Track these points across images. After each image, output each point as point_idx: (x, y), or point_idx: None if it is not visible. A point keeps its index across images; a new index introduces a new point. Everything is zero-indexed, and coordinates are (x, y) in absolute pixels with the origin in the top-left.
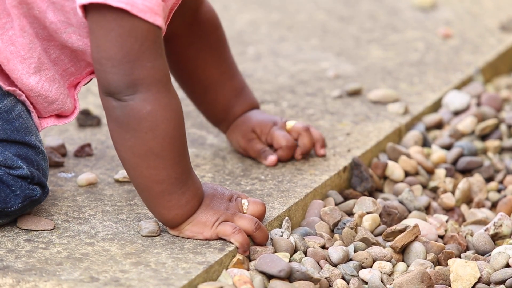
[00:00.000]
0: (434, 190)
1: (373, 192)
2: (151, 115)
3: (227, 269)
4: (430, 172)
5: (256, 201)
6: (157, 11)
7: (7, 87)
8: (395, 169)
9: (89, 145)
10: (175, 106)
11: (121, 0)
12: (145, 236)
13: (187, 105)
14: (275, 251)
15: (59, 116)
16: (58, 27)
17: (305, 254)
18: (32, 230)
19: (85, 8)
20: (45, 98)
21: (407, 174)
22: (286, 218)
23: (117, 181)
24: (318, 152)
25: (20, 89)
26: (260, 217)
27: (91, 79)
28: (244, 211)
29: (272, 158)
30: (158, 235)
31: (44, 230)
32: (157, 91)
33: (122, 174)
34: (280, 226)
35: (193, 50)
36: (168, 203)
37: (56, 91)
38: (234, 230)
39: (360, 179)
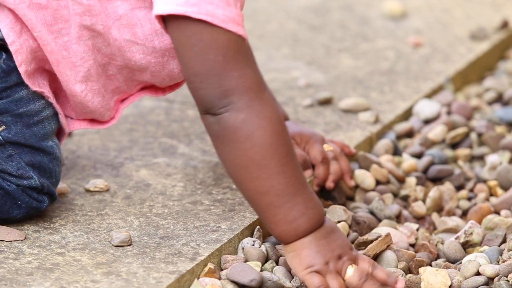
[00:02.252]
0: (405, 198)
1: (344, 201)
2: (246, 123)
3: (198, 278)
4: (401, 181)
5: (363, 270)
6: (238, 21)
7: (35, 88)
8: (366, 178)
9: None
10: (270, 113)
11: (201, 11)
12: (116, 246)
13: (158, 114)
14: (246, 260)
15: (93, 120)
16: (122, 45)
17: (277, 263)
18: (3, 240)
19: (163, 18)
20: (85, 107)
21: (378, 182)
22: (258, 227)
23: (88, 190)
24: (348, 183)
25: (64, 92)
26: None
27: (141, 96)
28: (343, 275)
29: (315, 183)
30: (129, 244)
31: (14, 240)
32: (249, 99)
33: (93, 184)
34: (251, 235)
35: None
36: (274, 217)
37: (97, 103)
38: (320, 286)
39: (332, 193)
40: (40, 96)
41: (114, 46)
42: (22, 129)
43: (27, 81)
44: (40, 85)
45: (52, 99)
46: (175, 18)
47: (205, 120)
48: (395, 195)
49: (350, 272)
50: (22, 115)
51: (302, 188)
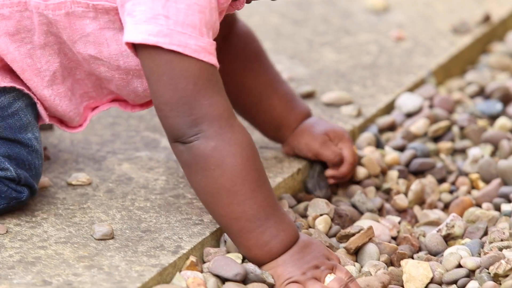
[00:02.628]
0: (387, 191)
1: (330, 195)
2: (216, 151)
3: (180, 271)
4: (384, 174)
5: (341, 279)
6: (210, 50)
7: (3, 84)
8: (359, 171)
9: (45, 148)
10: (241, 139)
11: (173, 42)
12: (98, 239)
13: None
14: (228, 253)
15: (62, 122)
16: (86, 58)
17: None
18: None
19: (134, 44)
20: (54, 110)
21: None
22: None
23: (70, 184)
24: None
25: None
26: None
27: (110, 107)
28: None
29: (330, 173)
30: (112, 238)
31: None
32: (219, 127)
33: (75, 177)
34: None
35: (238, 62)
36: (247, 242)
37: (66, 107)
38: None
39: (318, 186)
40: (10, 88)
41: (79, 56)
42: None
43: None
44: (11, 80)
45: (27, 90)
46: (146, 46)
47: (175, 148)
48: (378, 188)
49: (329, 280)
50: None
51: (273, 211)
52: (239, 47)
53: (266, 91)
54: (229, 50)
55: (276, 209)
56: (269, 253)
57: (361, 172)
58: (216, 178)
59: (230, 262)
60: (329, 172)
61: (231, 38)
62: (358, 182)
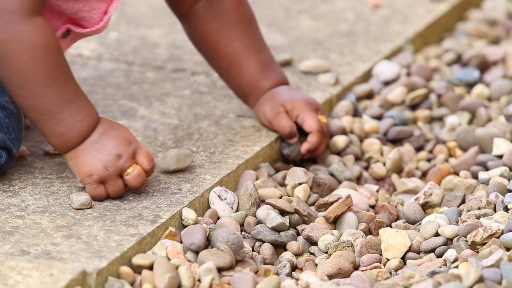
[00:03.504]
0: (368, 160)
1: (303, 162)
2: (3, 44)
3: (159, 241)
4: (361, 142)
5: (139, 176)
6: None
7: None
8: (338, 141)
9: (25, 117)
10: (30, 39)
11: None
12: (77, 209)
13: (117, 77)
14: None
15: (75, 22)
16: None
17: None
18: None
19: None
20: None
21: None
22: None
23: (47, 153)
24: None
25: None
26: (136, 188)
27: (67, 31)
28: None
29: (304, 147)
30: (90, 207)
31: None
32: (9, 22)
33: None
34: None
35: (213, 26)
36: (44, 131)
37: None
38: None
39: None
40: None
41: None
42: None
43: None
44: None
45: None
46: None
47: None
48: (356, 157)
49: (134, 172)
50: None
51: (67, 104)
52: (220, 11)
53: (238, 58)
54: (209, 11)
55: (72, 101)
56: (66, 143)
57: (341, 140)
58: (3, 69)
59: (194, 230)
60: (303, 146)
61: (214, 2)
62: (339, 153)
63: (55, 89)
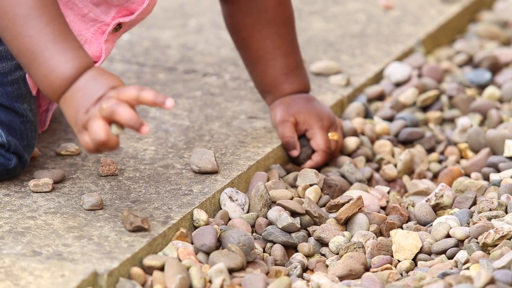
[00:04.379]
0: (379, 162)
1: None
2: None
3: (170, 242)
4: (372, 143)
5: (117, 104)
6: None
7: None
8: (349, 142)
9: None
10: None
11: None
12: (88, 210)
13: (129, 78)
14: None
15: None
16: None
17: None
18: None
19: None
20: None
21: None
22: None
23: (59, 154)
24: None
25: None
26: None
27: (118, 26)
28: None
29: (308, 163)
30: (101, 208)
31: None
32: None
33: (64, 147)
34: None
35: (249, 20)
36: (30, 76)
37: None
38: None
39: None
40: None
41: None
42: None
43: None
44: None
45: None
46: None
47: None
48: (367, 158)
49: (106, 105)
50: None
51: (49, 45)
52: (259, 7)
53: (266, 57)
54: (249, 4)
55: (56, 42)
56: (51, 87)
57: (352, 141)
58: None
59: (205, 232)
60: (307, 163)
61: None
62: (350, 154)
63: (36, 27)
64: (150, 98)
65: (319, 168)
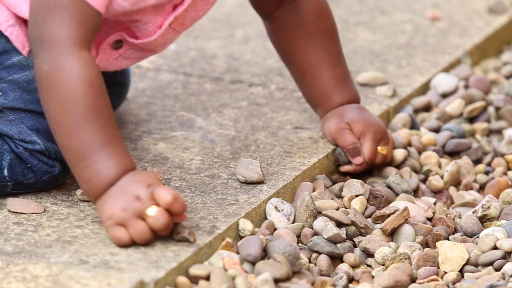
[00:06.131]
0: (426, 173)
1: (360, 174)
2: (48, 75)
3: (215, 252)
4: (419, 154)
5: (160, 215)
6: None
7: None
8: (396, 155)
9: None
10: (75, 73)
11: None
12: None
13: (176, 88)
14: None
15: (129, 31)
16: None
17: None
18: (22, 213)
19: None
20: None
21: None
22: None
23: None
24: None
25: None
26: (161, 230)
27: (119, 40)
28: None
29: (345, 167)
30: None
31: (33, 213)
32: (56, 52)
33: None
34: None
35: (289, 35)
36: (75, 174)
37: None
38: (122, 239)
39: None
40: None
41: None
42: (21, 94)
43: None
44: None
45: None
46: None
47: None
48: (414, 169)
49: (153, 212)
50: (19, 81)
51: (99, 149)
52: (298, 22)
53: (311, 70)
54: (288, 20)
55: (106, 147)
56: (93, 189)
57: (399, 153)
58: (45, 101)
59: (251, 242)
60: (345, 166)
61: (292, 13)
62: (397, 166)
63: (90, 130)
64: (179, 211)
65: (364, 179)
